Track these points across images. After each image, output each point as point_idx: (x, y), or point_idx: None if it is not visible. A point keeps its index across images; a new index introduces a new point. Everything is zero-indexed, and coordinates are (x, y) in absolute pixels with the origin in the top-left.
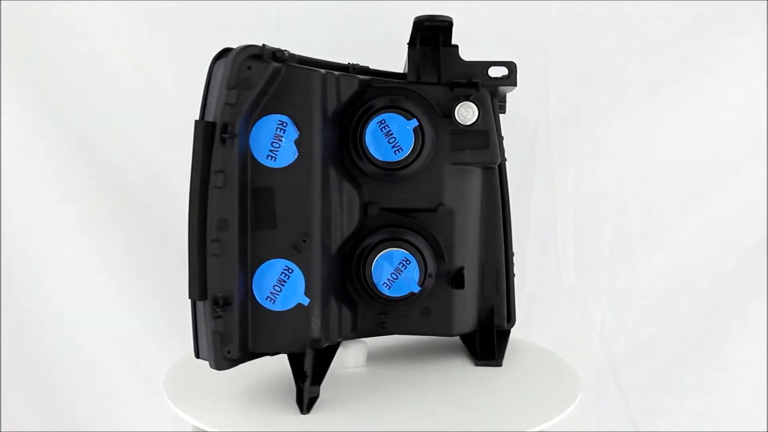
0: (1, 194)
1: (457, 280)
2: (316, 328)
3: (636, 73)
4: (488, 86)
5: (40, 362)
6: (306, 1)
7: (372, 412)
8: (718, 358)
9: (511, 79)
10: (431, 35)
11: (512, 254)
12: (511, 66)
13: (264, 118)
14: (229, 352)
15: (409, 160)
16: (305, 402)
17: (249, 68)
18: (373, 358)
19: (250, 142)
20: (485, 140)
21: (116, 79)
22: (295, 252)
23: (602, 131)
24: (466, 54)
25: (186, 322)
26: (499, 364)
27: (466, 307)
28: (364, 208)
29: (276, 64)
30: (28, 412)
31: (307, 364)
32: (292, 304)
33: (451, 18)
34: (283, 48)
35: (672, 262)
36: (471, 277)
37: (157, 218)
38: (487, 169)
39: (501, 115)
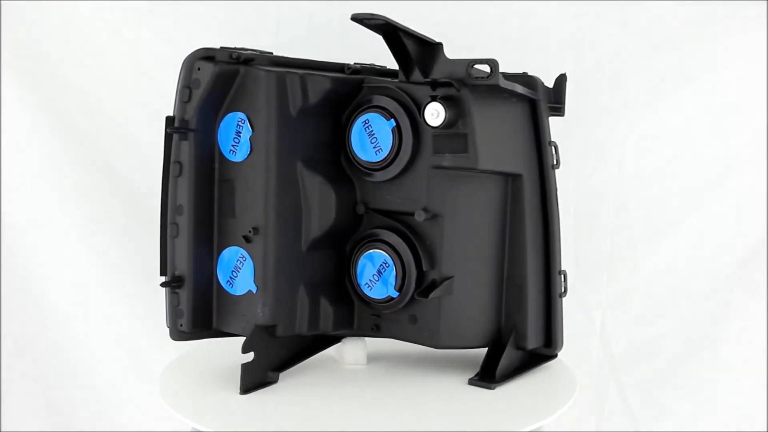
0: (1, 194)
1: (424, 289)
2: (263, 315)
3: (636, 73)
4: (471, 85)
5: (40, 362)
6: (306, 0)
7: (365, 409)
8: (718, 358)
9: (492, 78)
10: (391, 32)
11: (560, 272)
12: (492, 63)
13: (228, 115)
14: (181, 326)
15: (388, 161)
16: (242, 384)
17: (199, 69)
18: (380, 358)
19: (218, 136)
20: (464, 144)
21: (116, 79)
22: (246, 241)
23: (602, 131)
24: (464, 55)
25: None
26: (491, 387)
27: (463, 319)
28: (354, 206)
29: (226, 66)
30: (28, 412)
31: (246, 348)
32: (245, 290)
33: (383, 18)
34: (269, 49)
35: (672, 261)
36: (473, 289)
37: (157, 218)
38: (510, 177)
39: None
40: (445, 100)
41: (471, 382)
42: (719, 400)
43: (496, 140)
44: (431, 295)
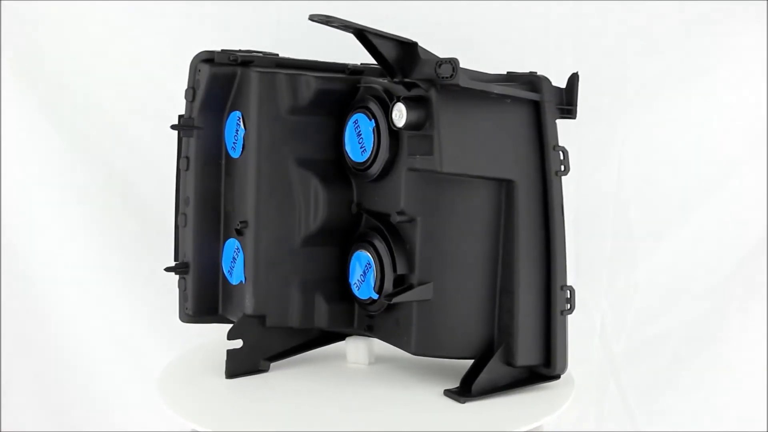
0: (1, 194)
1: (392, 292)
2: (250, 305)
3: (636, 73)
4: (440, 85)
5: (40, 362)
6: (306, 1)
7: (365, 409)
8: (718, 358)
9: (454, 78)
10: (359, 34)
11: (563, 287)
12: (452, 62)
13: (231, 113)
14: (187, 309)
15: (370, 161)
16: (226, 369)
17: (199, 71)
18: (386, 359)
19: (225, 134)
20: (430, 146)
21: (116, 79)
22: (238, 234)
23: (602, 131)
24: (464, 55)
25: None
26: (460, 401)
27: (444, 328)
28: (349, 206)
29: (222, 68)
30: (28, 412)
31: (231, 335)
32: (238, 281)
33: (339, 20)
34: (276, 50)
35: (672, 262)
36: (456, 298)
37: (158, 218)
38: (503, 182)
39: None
40: (414, 101)
41: (446, 392)
42: (719, 400)
43: (474, 143)
44: (394, 300)
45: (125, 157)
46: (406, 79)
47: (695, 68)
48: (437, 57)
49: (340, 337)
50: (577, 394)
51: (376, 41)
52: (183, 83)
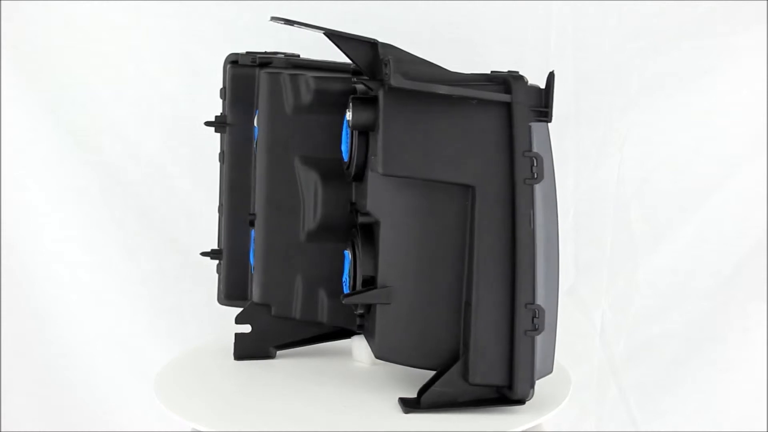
0: (1, 194)
1: (352, 293)
2: (256, 293)
3: (636, 73)
4: (387, 85)
5: (40, 362)
6: (307, 1)
7: (370, 410)
8: (718, 358)
9: (388, 78)
10: (327, 35)
11: (527, 305)
12: (387, 62)
13: (256, 111)
14: (220, 291)
15: (349, 161)
16: (234, 351)
17: (226, 72)
18: None
19: (255, 130)
20: (376, 146)
21: (116, 79)
22: (250, 225)
23: (602, 131)
24: (464, 55)
25: (185, 322)
26: (405, 411)
27: (405, 335)
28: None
29: (242, 69)
30: (28, 412)
31: (238, 320)
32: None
33: (297, 23)
34: (285, 50)
35: (672, 262)
36: (417, 305)
37: (157, 218)
38: (469, 189)
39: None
40: (363, 101)
41: (399, 401)
42: (719, 400)
43: (427, 146)
44: (346, 301)
45: (125, 156)
46: (356, 79)
47: (695, 68)
48: (393, 56)
49: (350, 333)
50: (576, 394)
51: (337, 42)
52: (183, 83)
